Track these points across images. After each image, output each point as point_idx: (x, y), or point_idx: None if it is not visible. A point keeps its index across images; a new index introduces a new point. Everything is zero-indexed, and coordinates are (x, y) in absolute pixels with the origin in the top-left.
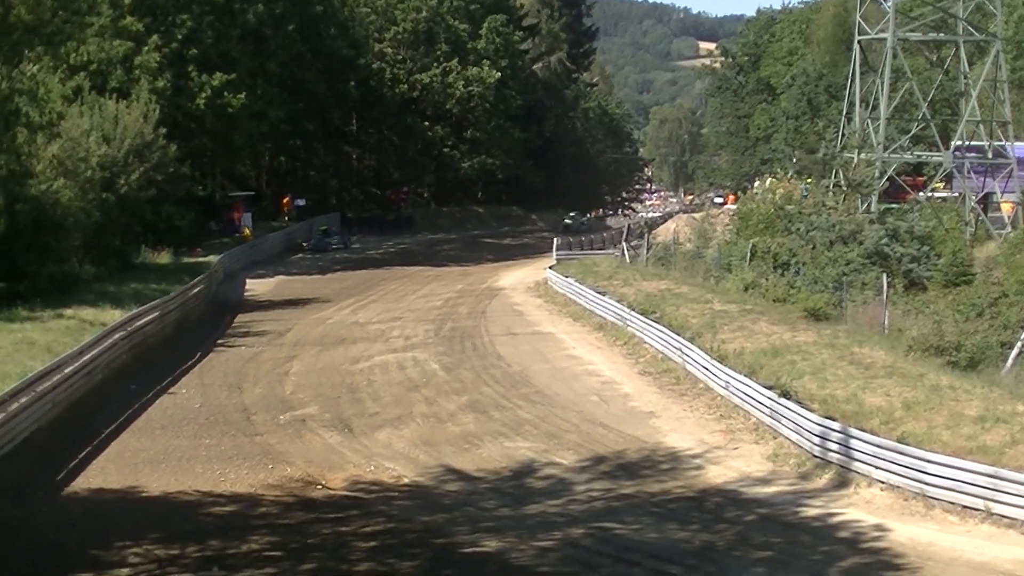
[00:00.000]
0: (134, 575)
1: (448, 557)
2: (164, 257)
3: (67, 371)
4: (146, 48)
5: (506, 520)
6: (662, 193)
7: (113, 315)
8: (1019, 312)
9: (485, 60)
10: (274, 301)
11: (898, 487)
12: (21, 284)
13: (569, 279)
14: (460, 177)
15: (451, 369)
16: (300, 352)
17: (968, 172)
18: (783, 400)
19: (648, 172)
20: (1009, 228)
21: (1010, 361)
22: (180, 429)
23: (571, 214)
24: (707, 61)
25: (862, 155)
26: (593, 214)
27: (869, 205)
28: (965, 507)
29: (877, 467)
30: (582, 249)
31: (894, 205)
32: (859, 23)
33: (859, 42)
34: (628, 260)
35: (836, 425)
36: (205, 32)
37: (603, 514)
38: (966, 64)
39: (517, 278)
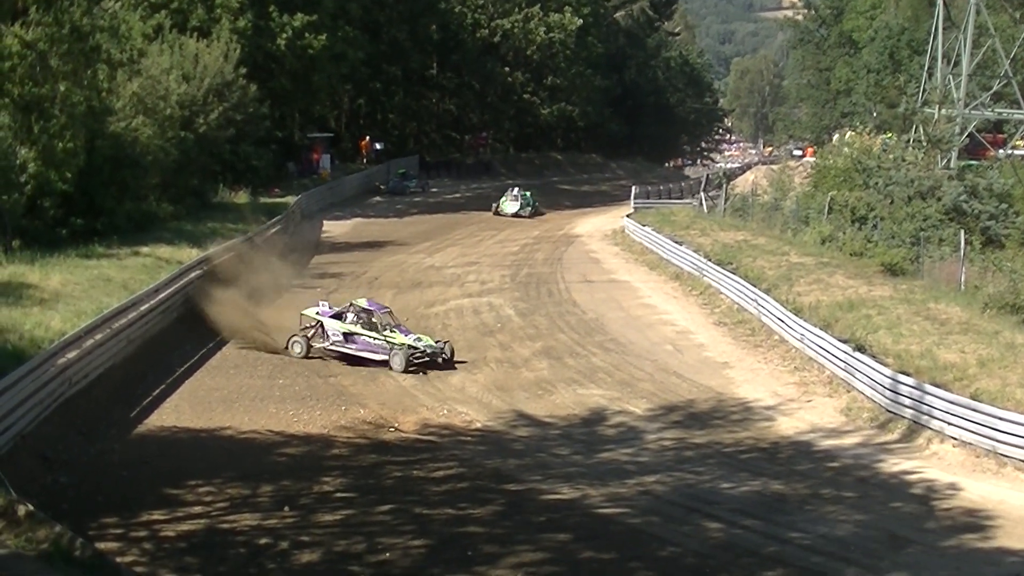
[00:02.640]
0: (207, 513)
1: (523, 504)
2: (242, 197)
3: (143, 309)
4: None
5: (578, 467)
6: (741, 144)
7: (190, 253)
8: None
9: (567, 7)
10: (351, 243)
11: (970, 444)
12: (99, 221)
13: (646, 228)
14: (539, 123)
15: (526, 315)
16: (376, 294)
17: None
18: (858, 354)
19: (728, 123)
20: None
21: None
22: (254, 369)
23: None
24: (789, 13)
25: (943, 111)
26: (672, 164)
27: (948, 161)
28: None
29: (950, 423)
30: (660, 198)
31: (973, 162)
32: None
33: None
34: (705, 210)
35: (910, 380)
36: None
37: (675, 463)
38: None
39: (594, 225)
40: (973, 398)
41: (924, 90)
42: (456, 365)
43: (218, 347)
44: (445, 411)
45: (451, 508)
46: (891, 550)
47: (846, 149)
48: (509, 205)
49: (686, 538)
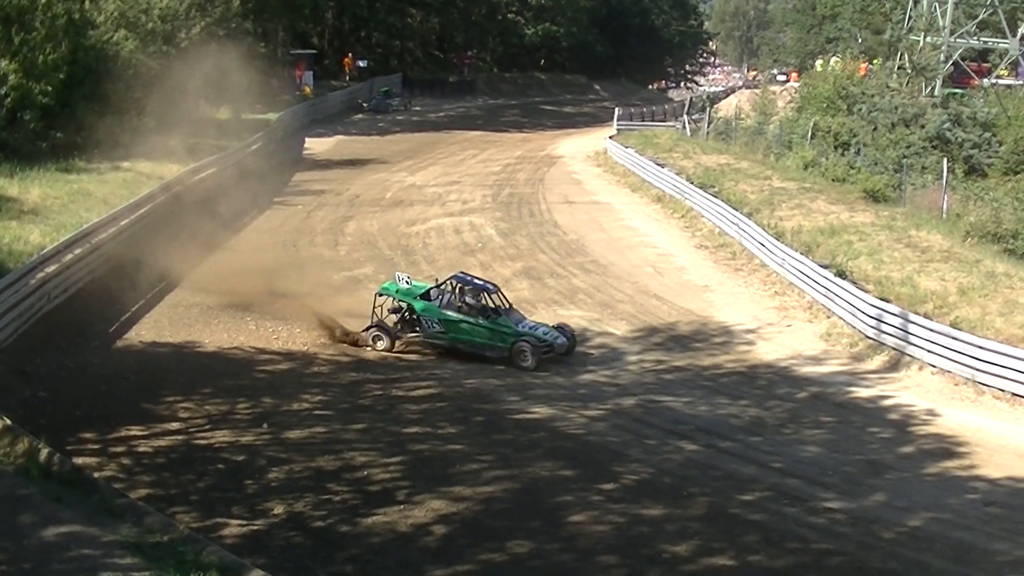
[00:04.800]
0: (185, 429)
1: (498, 422)
2: (224, 113)
3: (123, 224)
4: None
5: (558, 388)
6: (726, 68)
7: (171, 169)
8: None
9: None
10: (332, 160)
11: (949, 372)
12: (79, 135)
13: (629, 149)
14: (524, 43)
15: (507, 235)
16: (356, 212)
17: None
18: (838, 279)
19: (712, 46)
20: None
21: None
22: (235, 285)
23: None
24: None
25: (928, 39)
26: (656, 86)
27: (933, 89)
28: (1015, 395)
29: (929, 351)
30: (643, 121)
31: (958, 90)
32: None
33: None
34: (689, 133)
35: (890, 307)
36: None
37: (654, 386)
38: None
39: (577, 147)
40: (953, 326)
41: (910, 17)
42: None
43: (198, 263)
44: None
45: (428, 427)
46: (868, 475)
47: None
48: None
49: (663, 459)
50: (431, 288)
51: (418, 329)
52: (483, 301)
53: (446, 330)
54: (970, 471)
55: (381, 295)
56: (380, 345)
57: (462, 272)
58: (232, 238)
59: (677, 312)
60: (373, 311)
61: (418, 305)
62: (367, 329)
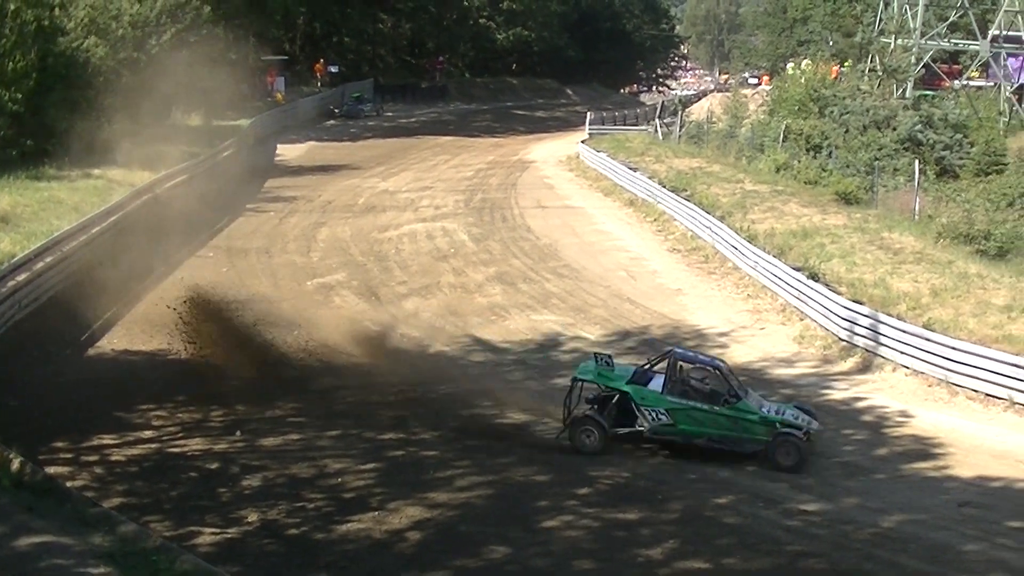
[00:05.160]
0: (158, 437)
1: (472, 428)
2: (195, 120)
3: (94, 231)
4: None
5: (531, 392)
6: (697, 72)
7: (142, 176)
8: None
9: None
10: (304, 167)
11: (923, 373)
12: (50, 142)
13: (601, 154)
14: (496, 48)
15: (480, 240)
16: (329, 219)
17: (1004, 61)
18: (811, 282)
19: (684, 50)
20: None
21: None
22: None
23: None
24: None
25: (899, 41)
26: (628, 90)
27: (904, 91)
28: (988, 395)
29: (903, 352)
30: (615, 125)
31: (929, 92)
32: None
33: None
34: (661, 137)
35: (863, 309)
36: None
37: None
38: None
39: (549, 151)
40: (926, 327)
41: (881, 19)
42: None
43: (171, 270)
44: (399, 336)
45: (402, 433)
46: (842, 477)
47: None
48: None
49: (638, 463)
50: (642, 367)
51: (637, 423)
52: (711, 383)
53: (674, 421)
54: (944, 472)
55: (578, 381)
56: (588, 441)
57: (679, 348)
58: (202, 247)
59: (650, 316)
60: (567, 400)
61: (634, 392)
62: (569, 423)
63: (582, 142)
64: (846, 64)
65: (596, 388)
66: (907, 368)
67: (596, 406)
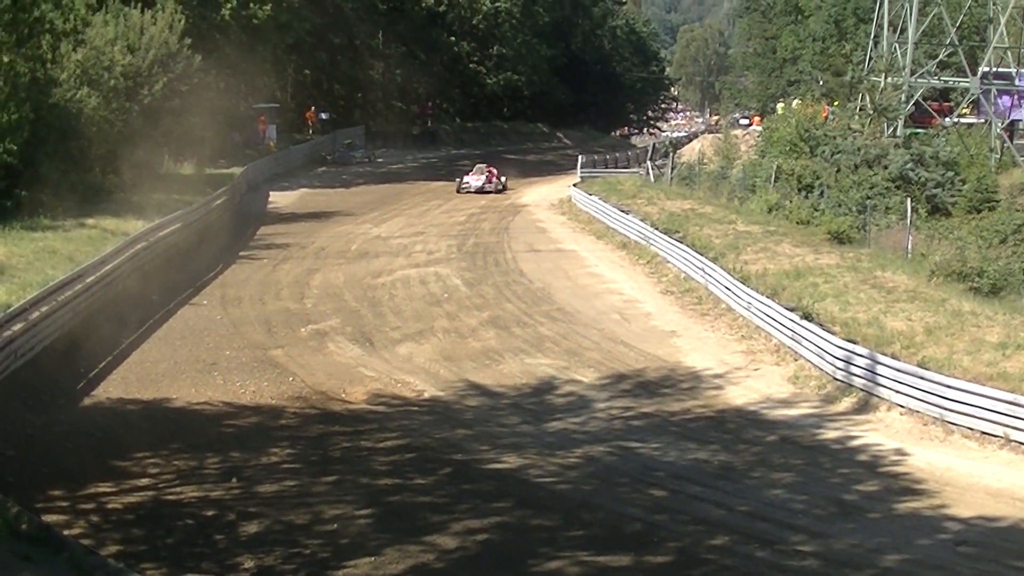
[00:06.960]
0: (154, 485)
1: (467, 472)
2: (187, 168)
3: (88, 280)
4: None
5: (526, 437)
6: (688, 113)
7: (135, 225)
8: None
9: None
10: (297, 213)
11: (918, 412)
12: (44, 193)
13: (593, 197)
14: (486, 93)
15: (473, 285)
16: (322, 265)
17: (995, 98)
18: (805, 322)
19: (674, 91)
20: None
21: None
22: (201, 340)
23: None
24: None
25: (889, 79)
26: (618, 133)
27: (895, 129)
28: (984, 433)
29: (897, 391)
30: (606, 167)
31: (920, 130)
32: None
33: None
34: (652, 179)
35: (857, 348)
36: None
37: (623, 432)
38: None
39: (541, 195)
40: (920, 366)
41: (870, 58)
42: None
43: (165, 318)
44: (393, 381)
45: (398, 478)
46: (838, 517)
47: (792, 117)
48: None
49: (632, 506)
50: None
51: None
52: None
53: None
54: (940, 511)
55: None
56: None
57: None
58: (196, 295)
59: (644, 358)
60: None
61: None
62: None
63: (574, 185)
64: (835, 104)
65: None
66: (902, 407)
67: None
